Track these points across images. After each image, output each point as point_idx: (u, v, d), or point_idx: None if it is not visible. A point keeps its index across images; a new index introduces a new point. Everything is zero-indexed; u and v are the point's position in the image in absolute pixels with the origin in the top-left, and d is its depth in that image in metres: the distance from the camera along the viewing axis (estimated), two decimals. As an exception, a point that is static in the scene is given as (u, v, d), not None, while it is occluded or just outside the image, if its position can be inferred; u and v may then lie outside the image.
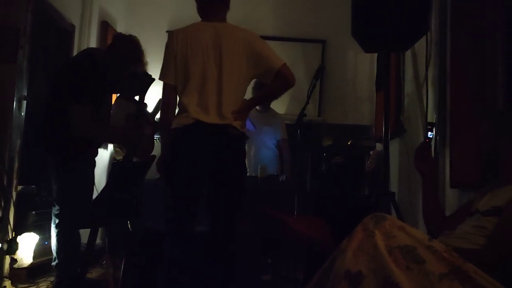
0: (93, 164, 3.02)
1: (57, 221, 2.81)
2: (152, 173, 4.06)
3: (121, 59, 2.91)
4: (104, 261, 3.80)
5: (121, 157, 3.79)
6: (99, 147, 3.08)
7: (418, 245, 1.37)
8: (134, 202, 3.22)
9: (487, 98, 2.48)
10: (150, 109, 4.00)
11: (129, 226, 3.22)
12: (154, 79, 3.30)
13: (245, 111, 2.41)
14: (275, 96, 3.04)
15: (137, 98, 3.84)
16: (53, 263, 2.84)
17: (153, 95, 4.50)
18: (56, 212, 2.82)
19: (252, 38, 2.41)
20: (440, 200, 2.67)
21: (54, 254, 2.82)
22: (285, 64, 2.39)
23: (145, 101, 3.82)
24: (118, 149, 4.06)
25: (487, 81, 2.49)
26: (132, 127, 3.09)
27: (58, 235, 2.80)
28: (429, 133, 2.18)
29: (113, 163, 3.07)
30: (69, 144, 2.77)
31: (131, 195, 3.06)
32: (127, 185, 3.02)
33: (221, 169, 2.31)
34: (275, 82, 2.40)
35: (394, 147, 3.78)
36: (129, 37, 3.06)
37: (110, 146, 4.61)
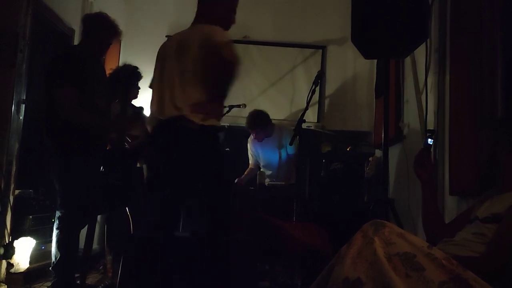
0: (96, 163, 3.01)
1: (58, 223, 2.81)
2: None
3: (96, 35, 2.97)
4: (101, 267, 3.78)
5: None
6: (102, 144, 3.08)
7: (418, 252, 1.36)
8: (129, 190, 3.25)
9: (486, 105, 2.48)
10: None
11: (131, 224, 3.24)
12: (136, 67, 3.34)
13: (207, 103, 2.27)
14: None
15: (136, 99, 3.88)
16: (51, 267, 2.83)
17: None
18: (59, 215, 2.82)
19: (212, 30, 2.32)
20: (439, 207, 2.66)
21: (53, 258, 2.81)
22: (230, 43, 2.28)
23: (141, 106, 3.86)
24: None
25: (486, 88, 2.49)
26: (119, 114, 3.16)
27: (58, 236, 2.79)
28: (429, 139, 2.18)
29: (105, 150, 3.12)
30: (69, 144, 2.79)
31: (125, 182, 3.09)
32: (120, 173, 3.05)
33: (176, 167, 2.23)
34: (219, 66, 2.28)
35: (394, 153, 3.77)
36: (95, 14, 3.12)
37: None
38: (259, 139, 4.35)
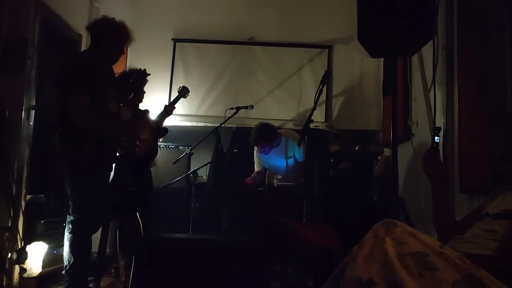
0: (108, 168, 3.03)
1: (71, 227, 2.82)
2: (159, 180, 4.09)
3: (108, 40, 2.94)
4: (113, 270, 3.81)
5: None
6: (114, 150, 3.09)
7: (430, 251, 1.35)
8: (141, 195, 3.26)
9: (495, 102, 2.46)
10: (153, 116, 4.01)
11: (141, 228, 3.25)
12: (146, 73, 3.35)
13: None
14: None
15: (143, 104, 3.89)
16: (64, 271, 2.85)
17: (159, 102, 4.54)
18: (71, 219, 2.83)
19: None
20: (449, 205, 2.65)
21: (65, 262, 2.83)
22: None
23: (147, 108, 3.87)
24: None
25: (495, 85, 2.47)
26: (131, 120, 3.17)
27: (70, 241, 2.81)
28: (436, 137, 2.16)
29: (117, 157, 3.13)
30: (82, 150, 2.80)
31: (137, 188, 3.10)
32: (132, 178, 3.06)
33: None
34: None
35: (402, 152, 3.75)
36: (108, 19, 3.05)
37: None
38: (264, 152, 4.28)
